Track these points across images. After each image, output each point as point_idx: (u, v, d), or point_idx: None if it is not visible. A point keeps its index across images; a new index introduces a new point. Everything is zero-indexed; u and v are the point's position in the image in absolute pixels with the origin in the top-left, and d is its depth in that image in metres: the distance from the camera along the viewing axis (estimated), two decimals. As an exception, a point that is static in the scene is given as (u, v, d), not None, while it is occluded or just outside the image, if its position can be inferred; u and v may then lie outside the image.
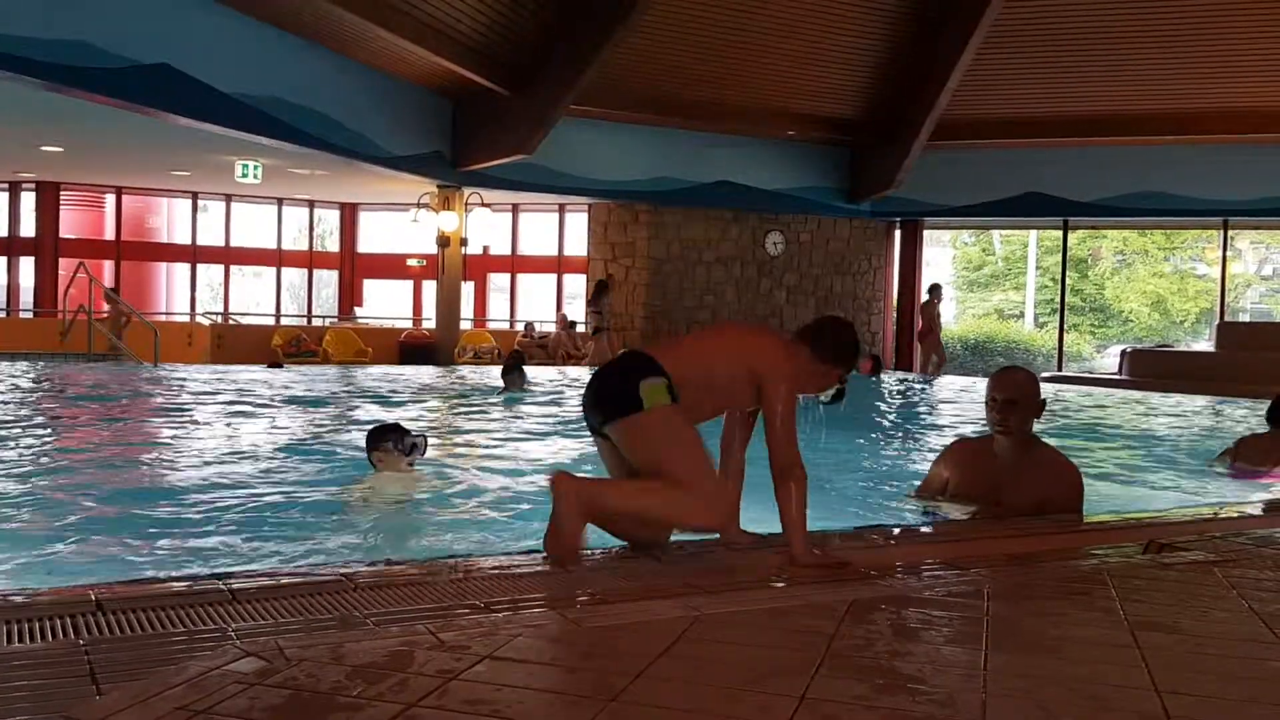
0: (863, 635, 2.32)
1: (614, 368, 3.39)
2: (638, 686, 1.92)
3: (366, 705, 1.78)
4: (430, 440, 5.30)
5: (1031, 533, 3.80)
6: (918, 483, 4.75)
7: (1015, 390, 4.18)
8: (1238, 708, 1.94)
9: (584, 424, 3.50)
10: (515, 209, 21.82)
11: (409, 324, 22.01)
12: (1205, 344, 23.51)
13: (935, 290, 18.43)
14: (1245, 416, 10.06)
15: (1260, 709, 1.95)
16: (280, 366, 14.71)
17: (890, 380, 16.20)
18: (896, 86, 17.55)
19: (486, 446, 7.40)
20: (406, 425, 5.29)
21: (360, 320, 22.24)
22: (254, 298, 24.73)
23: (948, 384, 15.77)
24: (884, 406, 12.63)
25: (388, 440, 4.96)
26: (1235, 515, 4.28)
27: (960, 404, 12.31)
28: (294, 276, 23.94)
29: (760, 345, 3.39)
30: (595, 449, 3.49)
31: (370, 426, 5.44)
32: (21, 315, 20.32)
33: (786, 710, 1.81)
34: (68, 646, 2.19)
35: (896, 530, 3.95)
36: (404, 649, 2.11)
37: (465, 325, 19.85)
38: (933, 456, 5.02)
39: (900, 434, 9.55)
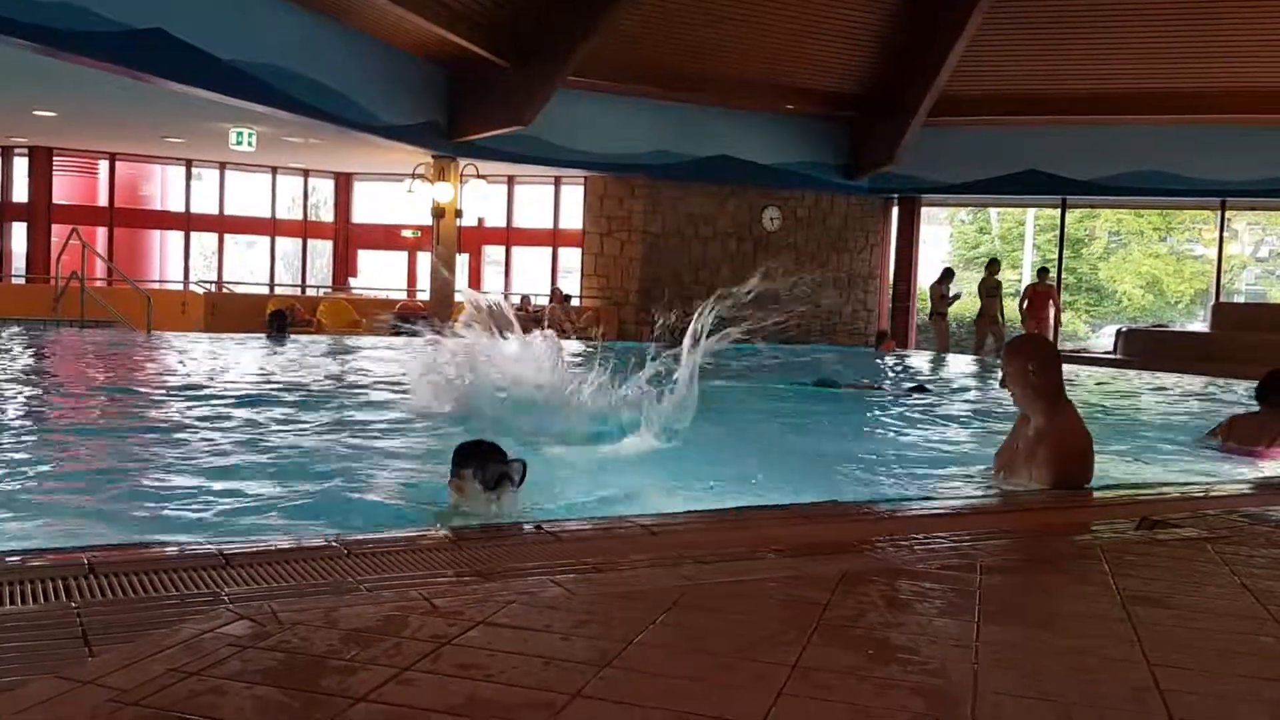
0: (855, 606, 2.32)
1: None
2: (631, 654, 1.92)
3: (360, 669, 1.78)
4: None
5: (1026, 507, 3.81)
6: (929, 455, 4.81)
7: (1002, 359, 4.35)
8: (1228, 681, 1.94)
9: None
10: (511, 181, 21.73)
11: (403, 295, 21.95)
12: (1200, 325, 23.54)
13: (1043, 273, 18.54)
14: (1240, 397, 10.08)
15: (1251, 683, 1.96)
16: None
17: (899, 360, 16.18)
18: (897, 61, 17.48)
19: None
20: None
21: (354, 291, 22.18)
22: (248, 267, 24.63)
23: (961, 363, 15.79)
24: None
25: (468, 467, 3.86)
26: (1228, 493, 4.30)
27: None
28: (288, 246, 23.84)
29: None
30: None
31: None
32: (14, 281, 20.23)
33: (779, 679, 1.82)
34: (60, 608, 2.19)
35: (890, 504, 3.96)
36: (398, 614, 2.11)
37: (459, 298, 19.80)
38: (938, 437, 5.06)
39: (909, 411, 9.55)
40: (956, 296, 18.37)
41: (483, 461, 3.82)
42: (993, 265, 18.47)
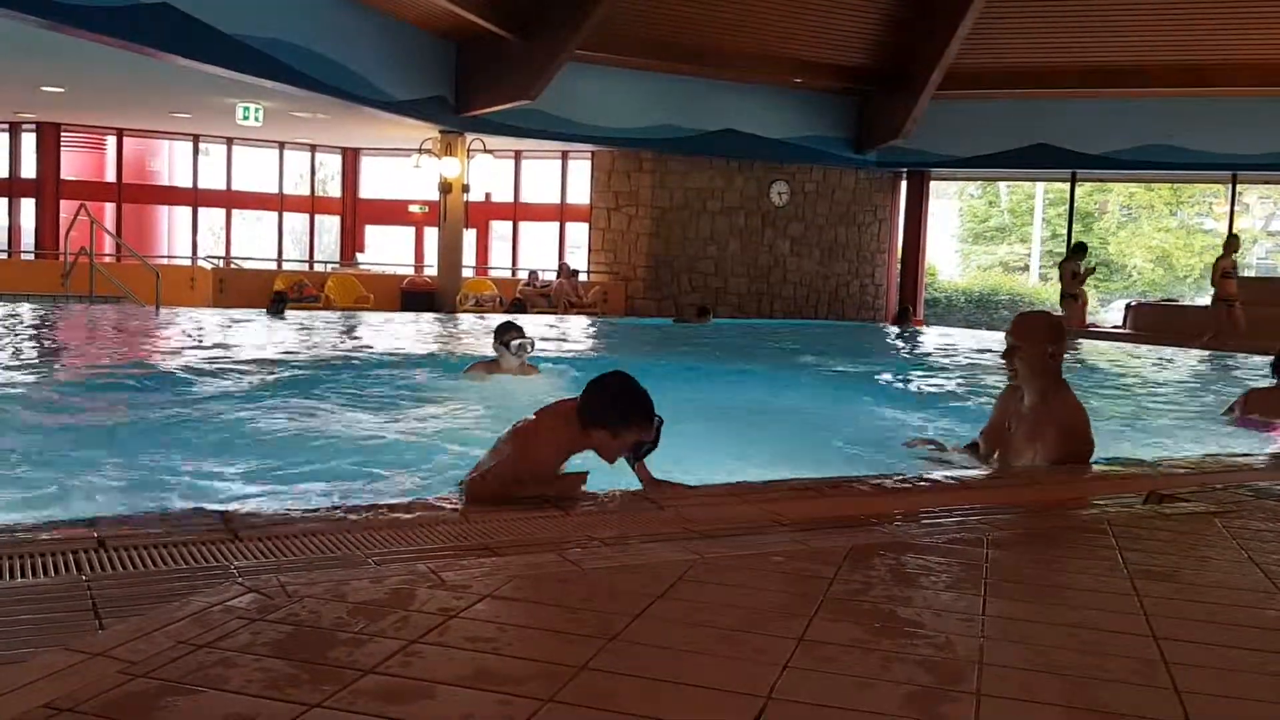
0: (861, 580, 2.32)
1: None
2: (637, 627, 1.93)
3: (368, 641, 1.79)
4: None
5: (1033, 482, 3.81)
6: (916, 433, 4.80)
7: (1015, 334, 4.27)
8: (1235, 655, 1.94)
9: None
10: (518, 155, 21.66)
11: (411, 270, 21.93)
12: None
13: (1233, 242, 16.25)
14: (1249, 371, 10.05)
15: (1257, 657, 1.96)
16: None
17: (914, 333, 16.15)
18: (905, 34, 17.34)
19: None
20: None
21: (362, 266, 22.17)
22: (256, 242, 24.62)
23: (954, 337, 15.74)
24: (900, 359, 12.61)
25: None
26: (1236, 467, 4.29)
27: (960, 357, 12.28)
28: (296, 221, 23.82)
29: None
30: None
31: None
32: (23, 257, 20.26)
33: (785, 651, 1.82)
34: (71, 581, 2.20)
35: (897, 479, 3.95)
36: (406, 587, 2.11)
37: (467, 273, 19.79)
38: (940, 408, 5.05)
39: (910, 385, 9.55)
40: (1090, 271, 16.72)
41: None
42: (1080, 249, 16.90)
